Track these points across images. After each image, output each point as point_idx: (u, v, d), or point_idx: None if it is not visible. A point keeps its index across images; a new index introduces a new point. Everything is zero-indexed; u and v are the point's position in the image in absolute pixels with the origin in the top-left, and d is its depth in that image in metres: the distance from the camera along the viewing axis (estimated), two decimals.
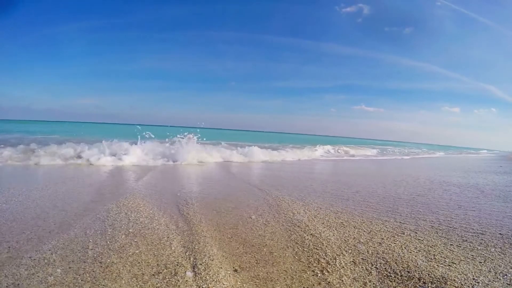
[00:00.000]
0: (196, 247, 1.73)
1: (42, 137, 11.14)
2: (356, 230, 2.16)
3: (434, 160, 13.16)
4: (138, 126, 7.40)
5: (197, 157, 6.67)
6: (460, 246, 1.87)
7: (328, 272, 1.49)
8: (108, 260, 1.51)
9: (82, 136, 12.02)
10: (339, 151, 13.32)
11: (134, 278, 1.35)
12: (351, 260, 1.64)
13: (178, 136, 6.96)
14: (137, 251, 1.63)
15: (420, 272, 1.49)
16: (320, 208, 2.80)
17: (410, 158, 14.09)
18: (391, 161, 11.03)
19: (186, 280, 1.35)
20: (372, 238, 2.00)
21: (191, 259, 1.57)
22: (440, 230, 2.21)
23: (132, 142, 7.17)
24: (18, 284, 1.26)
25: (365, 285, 1.38)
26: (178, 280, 1.34)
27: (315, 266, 1.55)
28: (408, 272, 1.50)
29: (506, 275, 1.49)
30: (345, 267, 1.54)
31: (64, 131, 18.11)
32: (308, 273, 1.48)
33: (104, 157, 5.57)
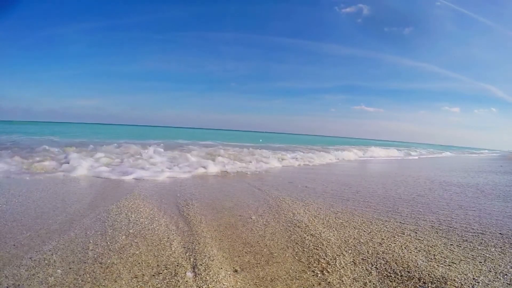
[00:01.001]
0: (196, 247, 1.73)
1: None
2: (356, 230, 2.16)
3: (443, 160, 13.39)
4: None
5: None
6: (460, 246, 1.87)
7: (328, 272, 1.49)
8: (109, 261, 1.51)
9: (96, 138, 12.10)
10: (366, 152, 13.19)
11: (134, 279, 1.35)
12: (351, 260, 1.64)
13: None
14: (137, 252, 1.64)
15: (420, 272, 1.49)
16: (320, 208, 2.80)
17: (426, 157, 14.47)
18: (415, 161, 11.04)
19: (186, 281, 1.35)
20: (372, 238, 2.00)
21: (191, 259, 1.57)
22: (440, 230, 2.21)
23: (147, 144, 7.31)
24: (19, 284, 1.26)
25: (365, 285, 1.38)
26: (178, 281, 1.34)
27: (315, 267, 1.55)
28: (408, 272, 1.50)
29: (506, 275, 1.49)
30: (345, 267, 1.54)
31: (68, 132, 18.14)
32: (308, 273, 1.48)
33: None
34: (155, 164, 5.09)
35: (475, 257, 1.71)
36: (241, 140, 17.86)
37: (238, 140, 17.69)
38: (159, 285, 1.30)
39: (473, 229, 2.25)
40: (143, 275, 1.39)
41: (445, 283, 1.38)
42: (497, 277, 1.46)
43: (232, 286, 1.34)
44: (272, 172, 5.57)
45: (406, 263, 1.60)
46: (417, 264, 1.59)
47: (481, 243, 1.94)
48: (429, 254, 1.73)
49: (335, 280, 1.42)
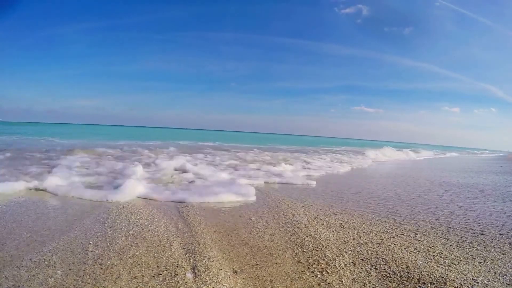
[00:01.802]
0: (196, 248, 1.73)
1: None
2: (356, 231, 2.16)
3: (448, 160, 13.59)
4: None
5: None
6: (459, 247, 1.87)
7: (327, 273, 1.49)
8: (108, 262, 1.51)
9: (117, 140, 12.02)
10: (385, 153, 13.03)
11: (134, 280, 1.35)
12: (351, 261, 1.64)
13: None
14: (137, 253, 1.64)
15: (419, 273, 1.49)
16: (320, 209, 2.81)
17: (435, 158, 14.91)
18: (426, 161, 11.04)
19: (186, 282, 1.35)
20: (371, 239, 2.00)
21: (191, 260, 1.57)
22: (439, 230, 2.21)
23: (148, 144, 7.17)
24: (19, 285, 1.26)
25: (364, 286, 1.38)
26: (178, 282, 1.35)
27: (314, 267, 1.55)
28: (408, 272, 1.50)
29: (506, 275, 1.49)
30: (344, 268, 1.55)
31: (69, 133, 18.14)
32: (307, 274, 1.48)
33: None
34: (203, 177, 4.11)
35: (474, 257, 1.71)
36: (242, 142, 17.84)
37: (239, 141, 17.68)
38: (159, 286, 1.31)
39: (472, 229, 2.25)
40: (143, 276, 1.39)
41: (445, 283, 1.38)
42: (497, 278, 1.46)
43: (232, 287, 1.34)
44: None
45: (406, 263, 1.60)
46: (417, 264, 1.59)
47: (481, 243, 1.95)
48: (429, 254, 1.74)
49: (334, 280, 1.42)
